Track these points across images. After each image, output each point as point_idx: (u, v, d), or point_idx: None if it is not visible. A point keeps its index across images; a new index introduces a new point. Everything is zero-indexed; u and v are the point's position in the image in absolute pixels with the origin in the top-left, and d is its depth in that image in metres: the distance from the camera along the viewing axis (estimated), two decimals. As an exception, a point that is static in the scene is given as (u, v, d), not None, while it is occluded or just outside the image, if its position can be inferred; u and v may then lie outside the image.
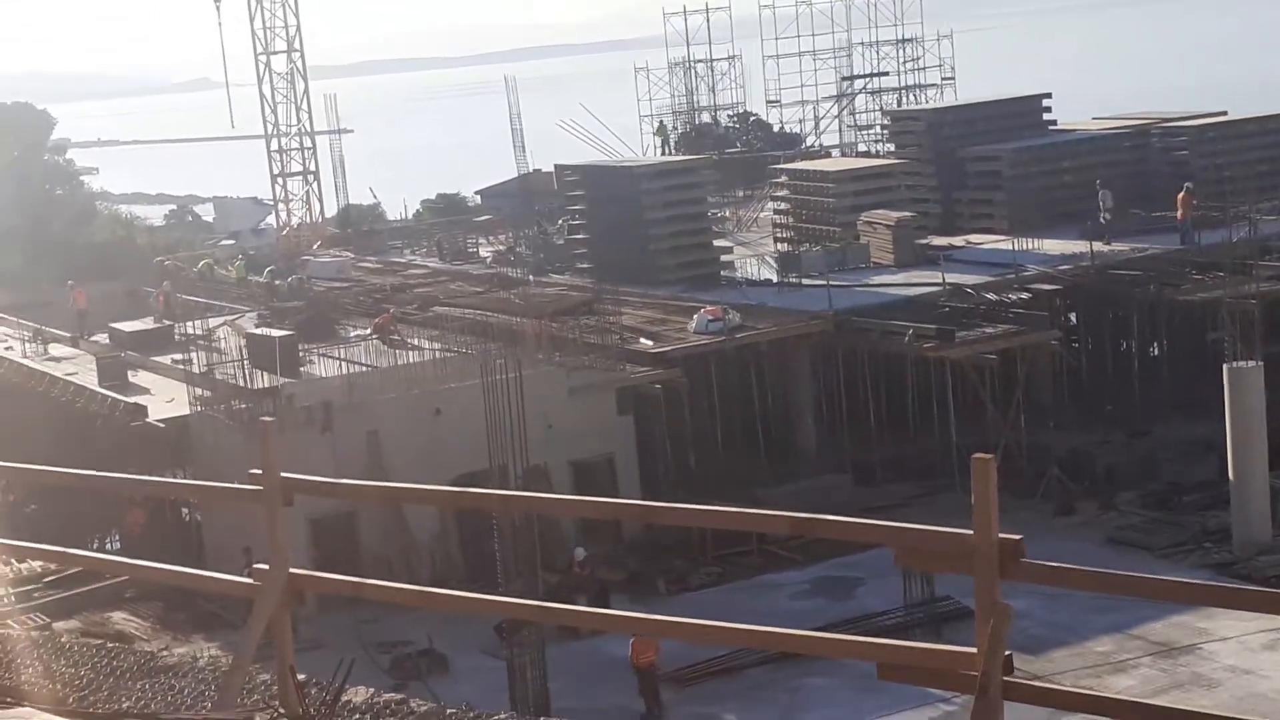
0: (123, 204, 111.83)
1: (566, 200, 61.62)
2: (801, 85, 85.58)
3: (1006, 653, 5.93)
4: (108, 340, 51.24)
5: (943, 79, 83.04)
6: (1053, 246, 50.00)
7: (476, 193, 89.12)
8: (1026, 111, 61.12)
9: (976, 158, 57.75)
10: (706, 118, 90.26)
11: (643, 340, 44.41)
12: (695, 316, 45.17)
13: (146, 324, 52.98)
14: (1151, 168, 56.57)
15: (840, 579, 35.95)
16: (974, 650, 5.94)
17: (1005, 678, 5.91)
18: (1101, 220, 50.73)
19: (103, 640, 11.42)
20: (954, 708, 26.70)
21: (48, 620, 35.07)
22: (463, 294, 54.58)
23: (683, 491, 39.26)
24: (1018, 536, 5.96)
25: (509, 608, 9.61)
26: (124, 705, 7.60)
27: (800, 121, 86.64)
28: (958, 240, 54.41)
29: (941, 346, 41.35)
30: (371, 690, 7.52)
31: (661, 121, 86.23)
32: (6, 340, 53.16)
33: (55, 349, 51.15)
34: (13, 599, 36.70)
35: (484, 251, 67.12)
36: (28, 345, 51.47)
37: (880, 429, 43.51)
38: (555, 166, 73.95)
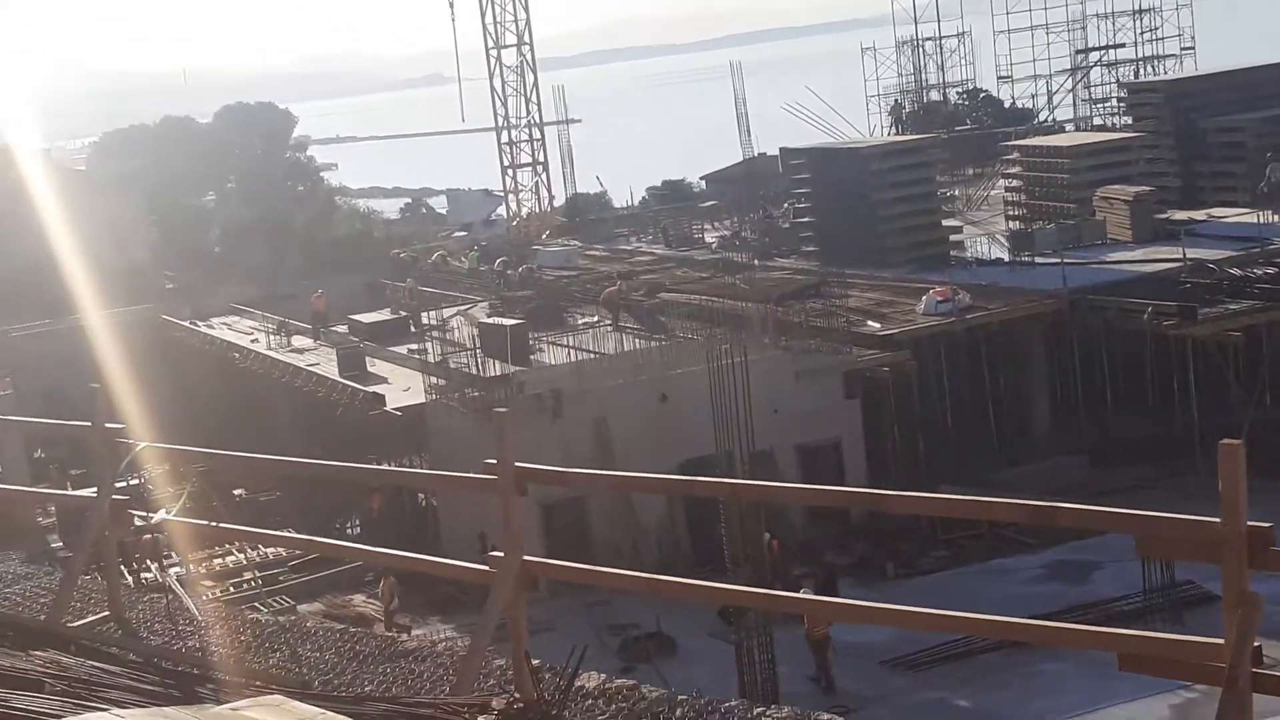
0: (360, 198, 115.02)
1: (792, 184, 61.41)
2: (1034, 59, 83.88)
3: (1256, 644, 5.71)
4: (347, 331, 52.76)
5: (1181, 49, 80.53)
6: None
7: (702, 178, 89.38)
8: (1270, 80, 58.97)
9: (1218, 129, 55.85)
10: (935, 96, 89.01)
11: (870, 323, 44.04)
12: (924, 298, 44.64)
13: (384, 315, 54.38)
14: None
15: (1076, 563, 35.19)
16: (1221, 641, 5.74)
17: (1254, 669, 5.70)
18: (1261, 190, 49.34)
19: (345, 625, 11.76)
20: (1195, 695, 25.92)
21: (292, 603, 36.34)
22: (688, 280, 54.83)
23: (911, 476, 38.88)
24: (1268, 525, 5.74)
25: (736, 596, 9.59)
26: (366, 689, 7.81)
27: (1032, 96, 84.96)
28: (1199, 214, 52.73)
29: (1183, 324, 40.15)
30: (603, 676, 7.59)
31: (895, 100, 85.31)
32: (252, 333, 55.14)
33: (298, 340, 52.86)
34: (260, 583, 38.12)
35: (709, 237, 67.31)
36: (272, 338, 53.30)
37: (1117, 410, 42.47)
38: (780, 150, 73.82)
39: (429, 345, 42.54)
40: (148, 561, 35.29)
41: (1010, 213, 57.29)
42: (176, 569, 34.75)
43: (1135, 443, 41.97)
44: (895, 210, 52.93)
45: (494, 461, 7.56)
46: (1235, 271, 44.60)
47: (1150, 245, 48.98)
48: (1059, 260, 45.94)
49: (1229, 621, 5.72)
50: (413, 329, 49.89)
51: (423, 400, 40.58)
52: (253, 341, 53.67)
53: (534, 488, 7.70)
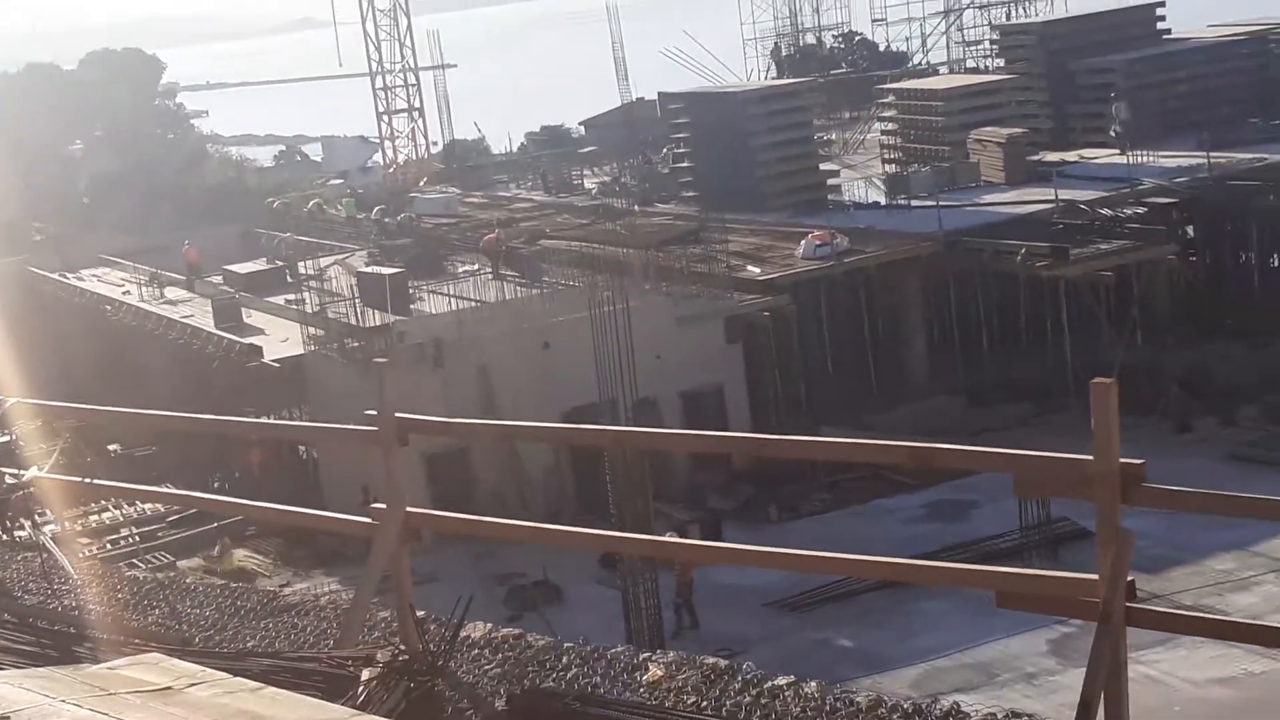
0: (233, 146, 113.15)
1: (670, 129, 61.36)
2: (908, 2, 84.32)
3: (1129, 578, 5.85)
4: (222, 282, 51.99)
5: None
6: (1168, 160, 49.09)
7: (581, 124, 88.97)
8: (1140, 21, 59.85)
9: (1088, 70, 56.61)
10: (811, 39, 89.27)
11: (750, 268, 44.24)
12: (803, 242, 44.92)
13: (260, 265, 53.64)
14: (1271, 75, 55.15)
15: (954, 502, 35.73)
16: (1095, 577, 5.87)
17: (1128, 604, 5.84)
18: (1112, 134, 50.37)
19: (226, 580, 11.65)
20: (1072, 629, 26.51)
21: (172, 560, 35.91)
22: (568, 226, 54.68)
23: (793, 420, 39.22)
24: (1139, 461, 5.86)
25: (621, 543, 9.65)
26: (249, 644, 7.75)
27: (907, 39, 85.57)
28: (1070, 156, 53.53)
29: (1055, 265, 40.79)
30: (489, 625, 7.60)
31: (774, 44, 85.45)
32: (124, 285, 54.10)
33: (171, 292, 51.98)
34: (137, 539, 37.60)
35: (589, 183, 67.14)
36: (144, 290, 52.34)
37: (993, 350, 43.14)
38: (659, 95, 73.69)
39: (306, 295, 42.03)
40: (20, 520, 34.62)
41: (886, 156, 57.76)
42: (51, 527, 34.14)
43: (1011, 382, 42.64)
44: (773, 154, 53.10)
45: (374, 413, 7.51)
46: (1106, 212, 45.37)
47: (1023, 187, 49.65)
48: (934, 203, 46.43)
49: (1103, 557, 5.85)
50: (289, 279, 49.29)
51: (301, 352, 40.14)
52: (125, 294, 52.65)
53: (417, 439, 7.67)
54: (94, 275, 57.39)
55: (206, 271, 53.56)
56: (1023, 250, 41.49)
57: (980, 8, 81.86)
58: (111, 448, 44.93)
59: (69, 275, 57.85)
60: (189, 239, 56.03)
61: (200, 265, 53.40)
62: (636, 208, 55.53)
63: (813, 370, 42.58)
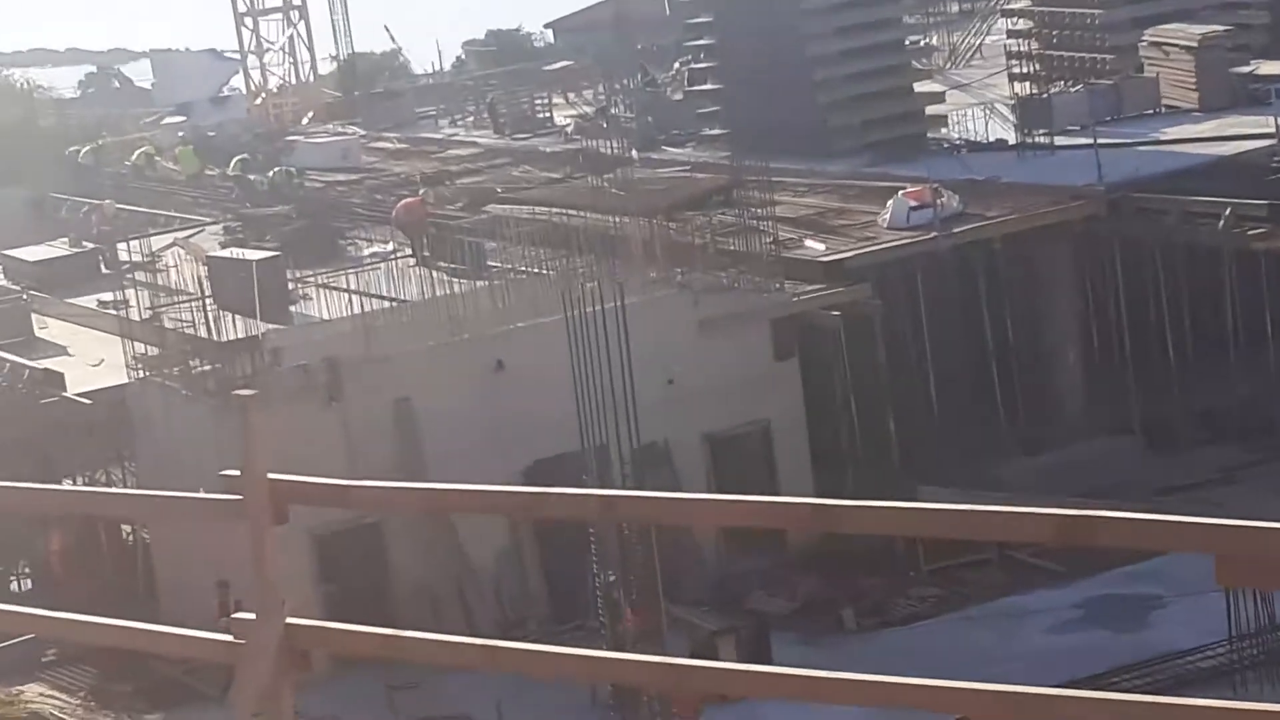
0: (16, 67, 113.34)
1: (685, 33, 61.40)
2: None
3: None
4: (2, 276, 52.00)
5: None
6: None
7: (546, 26, 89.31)
8: None
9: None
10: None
11: (810, 243, 44.24)
12: (891, 203, 44.95)
13: (61, 249, 53.69)
14: None
15: (1126, 598, 35.74)
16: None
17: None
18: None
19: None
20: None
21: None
22: (531, 183, 54.70)
23: (879, 475, 39.19)
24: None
25: (613, 668, 9.67)
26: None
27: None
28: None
29: (1279, 233, 40.81)
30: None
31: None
32: None
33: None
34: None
35: (561, 118, 67.23)
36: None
37: (1184, 367, 43.08)
38: (666, -19, 73.69)
39: (132, 294, 42.04)
40: None
41: (1016, 70, 57.79)
42: None
43: (1212, 414, 42.59)
44: (842, 70, 53.10)
45: (236, 473, 7.51)
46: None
47: (1227, 114, 49.65)
48: (1091, 141, 46.42)
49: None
50: (105, 269, 49.28)
51: (124, 380, 40.15)
52: None
53: (302, 511, 7.67)
54: None
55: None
56: (1228, 211, 41.47)
57: None
58: None
59: None
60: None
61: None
62: (634, 154, 55.61)
63: (909, 399, 42.56)
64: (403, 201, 49.44)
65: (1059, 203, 44.66)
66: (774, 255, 42.36)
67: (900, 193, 45.15)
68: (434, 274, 43.41)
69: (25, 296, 48.17)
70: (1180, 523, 6.35)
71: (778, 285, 41.53)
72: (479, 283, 42.02)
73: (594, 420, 33.19)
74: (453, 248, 45.46)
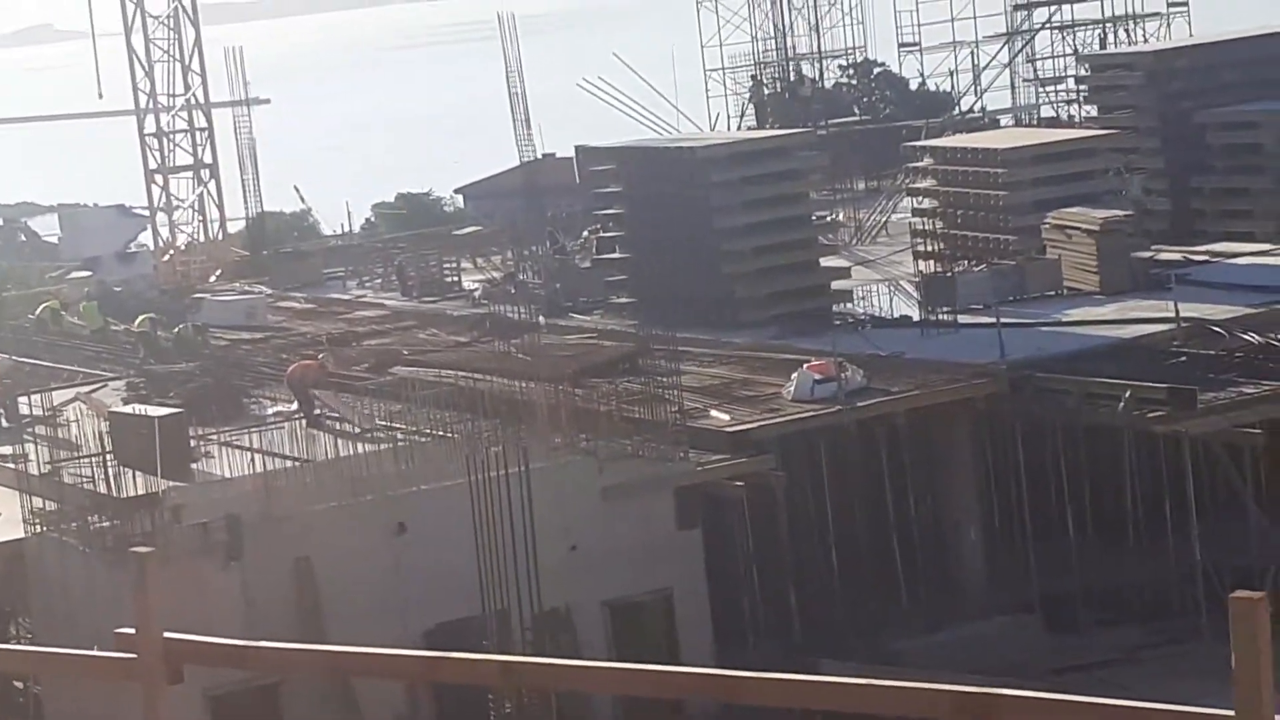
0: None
1: (594, 201, 61.70)
2: (953, 18, 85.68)
3: None
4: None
5: (1169, 5, 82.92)
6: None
7: (456, 191, 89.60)
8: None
9: (1222, 125, 57.47)
10: (808, 70, 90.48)
11: (715, 413, 44.29)
12: (795, 376, 45.05)
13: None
14: None
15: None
16: None
17: None
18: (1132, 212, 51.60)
19: None
20: None
21: None
22: (439, 347, 54.64)
23: (780, 647, 39.05)
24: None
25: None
26: None
27: (951, 74, 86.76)
28: (1196, 251, 54.15)
29: (1177, 417, 41.05)
30: None
31: (752, 77, 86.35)
32: None
33: None
34: None
35: (470, 281, 67.30)
36: None
37: (1084, 545, 43.16)
38: (577, 150, 74.25)
39: (30, 449, 41.76)
40: None
41: (921, 248, 58.21)
42: None
43: (1111, 593, 42.64)
44: (749, 242, 53.38)
45: (131, 631, 7.43)
46: (1251, 338, 45.77)
47: (1127, 298, 50.06)
48: (994, 320, 46.69)
49: None
50: (4, 423, 48.94)
51: (20, 535, 39.81)
52: None
53: (198, 671, 7.58)
54: None
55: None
56: (1127, 394, 41.74)
57: (1060, 29, 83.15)
58: None
59: None
60: None
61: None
62: (542, 320, 55.68)
63: (810, 571, 42.51)
64: (297, 363, 49.32)
65: (961, 380, 44.85)
66: (679, 424, 42.38)
67: (805, 366, 45.28)
68: (336, 437, 43.28)
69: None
70: (1080, 702, 6.34)
71: (682, 454, 41.52)
72: (384, 445, 41.91)
73: (496, 584, 33.05)
74: (343, 407, 45.44)
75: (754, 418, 43.83)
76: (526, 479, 33.90)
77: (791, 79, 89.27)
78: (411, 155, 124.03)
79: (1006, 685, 6.39)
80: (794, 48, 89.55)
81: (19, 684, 41.71)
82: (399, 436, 42.22)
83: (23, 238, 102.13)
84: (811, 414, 43.68)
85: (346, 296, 68.43)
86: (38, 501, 39.85)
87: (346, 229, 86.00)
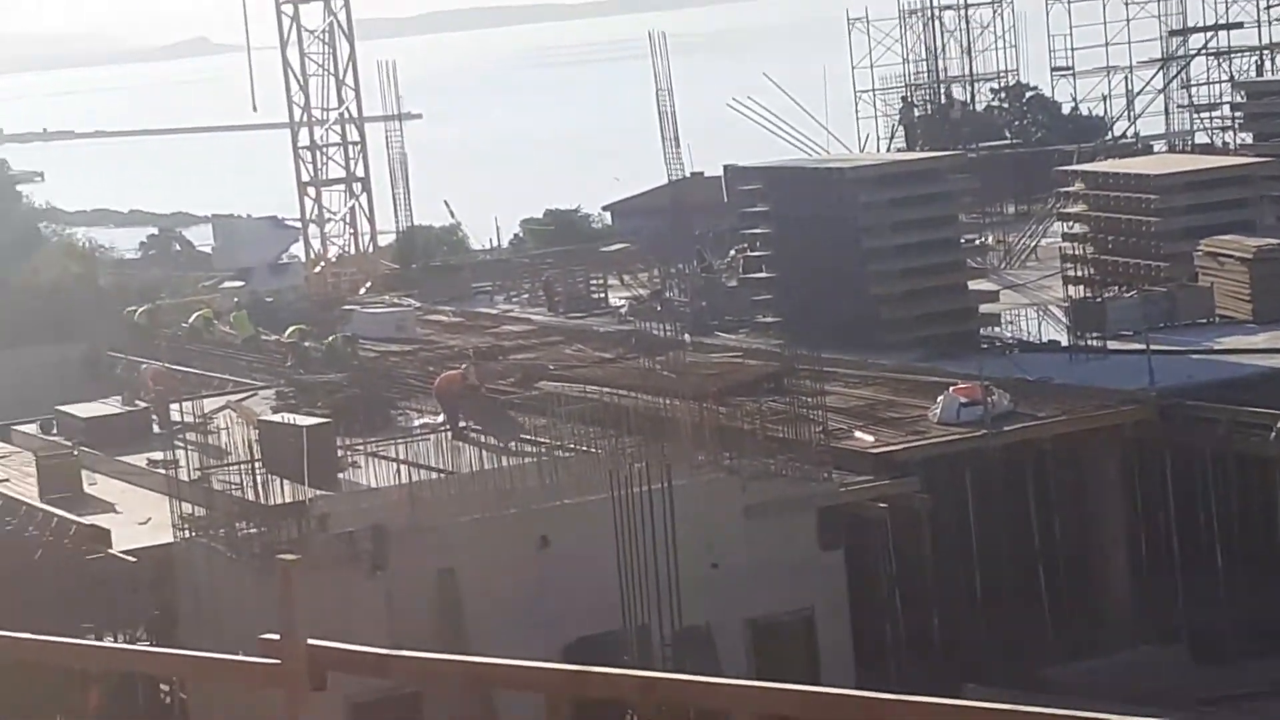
0: (78, 226, 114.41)
1: (741, 220, 61.70)
2: (1107, 43, 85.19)
3: None
4: (55, 431, 52.13)
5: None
6: None
7: (605, 209, 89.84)
8: None
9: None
10: (958, 93, 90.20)
11: (860, 434, 44.16)
12: (941, 399, 44.88)
13: (112, 407, 53.85)
14: None
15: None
16: None
17: None
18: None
19: None
20: None
21: None
22: (584, 362, 54.78)
23: (922, 669, 38.86)
24: None
25: None
26: None
27: (1105, 99, 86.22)
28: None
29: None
30: None
31: (903, 99, 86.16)
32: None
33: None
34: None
35: (616, 298, 67.46)
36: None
37: (1232, 574, 42.75)
38: (725, 169, 74.28)
39: (181, 455, 42.17)
40: None
41: (1071, 273, 57.87)
42: None
43: (1259, 625, 42.20)
44: (897, 265, 53.28)
45: (276, 637, 7.44)
46: None
47: (1281, 326, 49.71)
48: (1144, 346, 46.38)
49: None
50: (156, 428, 49.42)
51: (170, 540, 40.17)
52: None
53: (340, 679, 7.58)
54: None
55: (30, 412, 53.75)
56: (1279, 424, 41.35)
57: (1215, 55, 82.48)
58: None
59: None
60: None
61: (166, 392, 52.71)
62: (687, 338, 55.72)
63: (954, 595, 42.29)
64: (444, 373, 49.58)
65: (1110, 407, 44.56)
66: (823, 444, 42.32)
67: (951, 389, 45.11)
68: (482, 449, 43.44)
69: (76, 452, 48.31)
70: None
71: (826, 474, 41.46)
72: (529, 459, 42.05)
73: (636, 600, 33.04)
74: (484, 418, 45.65)
75: (899, 440, 43.71)
76: (669, 495, 33.89)
77: (942, 101, 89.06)
78: (559, 171, 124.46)
79: (1154, 714, 6.29)
80: (945, 70, 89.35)
81: (164, 688, 42.07)
82: (543, 451, 42.36)
83: (177, 247, 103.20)
84: (957, 437, 43.51)
85: (494, 311, 68.81)
86: (187, 507, 40.24)
87: (495, 244, 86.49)
